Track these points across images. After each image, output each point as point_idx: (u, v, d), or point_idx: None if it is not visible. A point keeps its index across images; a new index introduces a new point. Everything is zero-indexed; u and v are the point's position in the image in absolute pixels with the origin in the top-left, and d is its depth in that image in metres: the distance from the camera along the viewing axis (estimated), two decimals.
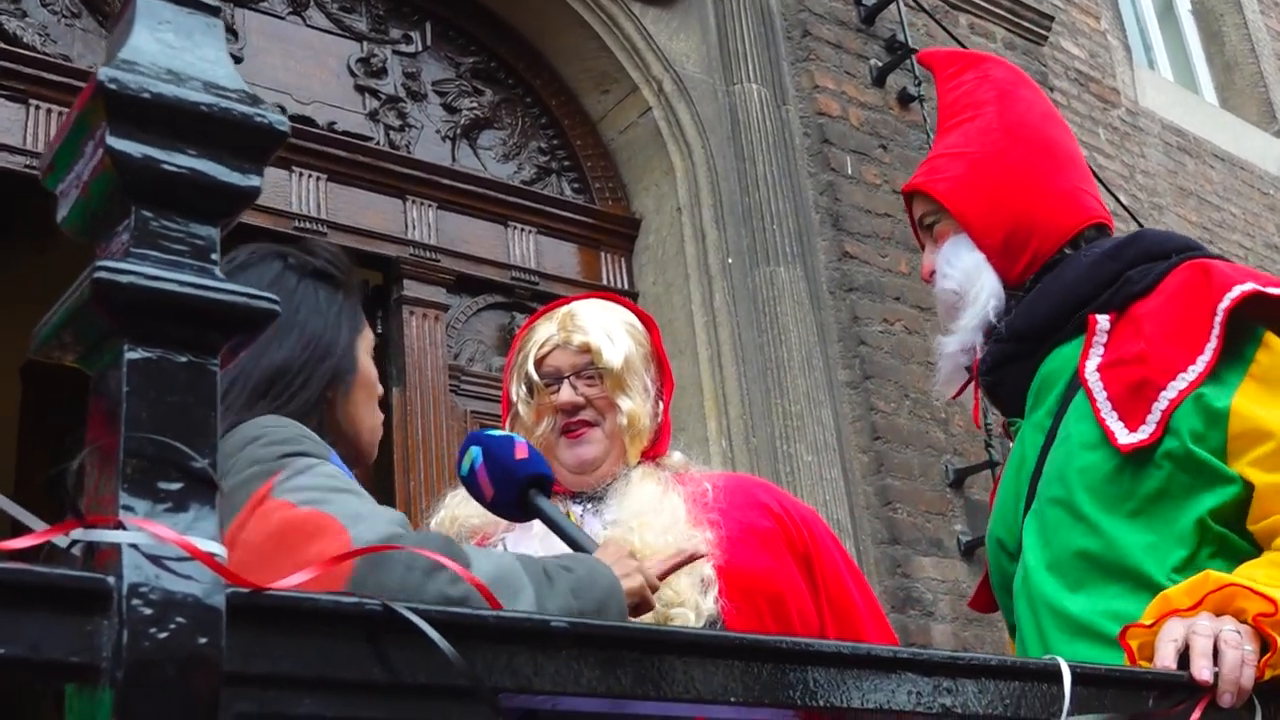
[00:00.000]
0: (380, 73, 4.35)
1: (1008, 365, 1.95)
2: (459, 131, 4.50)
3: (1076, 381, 1.84)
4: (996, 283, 1.97)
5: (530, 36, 4.80)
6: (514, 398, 2.16)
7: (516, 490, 1.80)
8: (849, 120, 5.14)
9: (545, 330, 2.16)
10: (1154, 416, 1.72)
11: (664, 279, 4.65)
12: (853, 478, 4.44)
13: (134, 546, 0.73)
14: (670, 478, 2.11)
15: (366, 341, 1.74)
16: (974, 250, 1.99)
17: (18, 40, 3.57)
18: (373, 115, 4.27)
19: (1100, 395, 1.78)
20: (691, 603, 1.92)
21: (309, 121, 4.07)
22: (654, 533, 1.95)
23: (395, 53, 4.44)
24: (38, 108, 3.49)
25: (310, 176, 3.97)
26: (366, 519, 1.38)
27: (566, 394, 2.09)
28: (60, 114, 3.52)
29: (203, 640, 0.72)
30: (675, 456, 2.20)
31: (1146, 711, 1.21)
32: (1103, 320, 1.84)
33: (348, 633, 0.80)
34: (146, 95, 0.80)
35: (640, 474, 2.10)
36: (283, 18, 4.18)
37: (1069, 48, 8.03)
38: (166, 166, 0.80)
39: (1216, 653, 1.34)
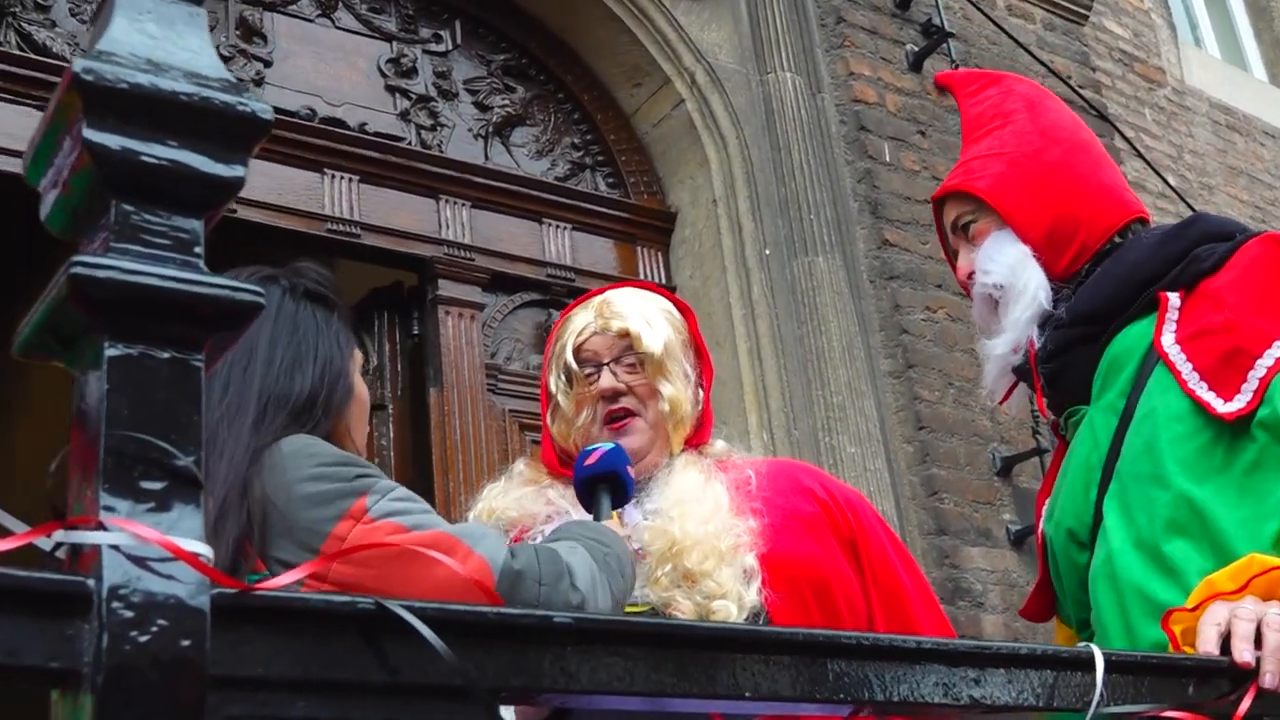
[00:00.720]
0: (411, 72, 4.34)
1: (1072, 350, 1.92)
2: (491, 129, 4.49)
3: (1152, 358, 1.81)
4: (1043, 275, 1.94)
5: (561, 32, 4.78)
6: (553, 389, 2.13)
7: (604, 478, 1.90)
8: (886, 106, 5.08)
9: (582, 318, 2.13)
10: (1250, 385, 1.69)
11: (701, 272, 4.61)
12: (897, 468, 4.39)
13: (115, 548, 0.71)
14: (713, 465, 2.09)
15: (357, 362, 1.80)
16: (1018, 243, 1.97)
17: (47, 50, 3.59)
18: (404, 115, 4.27)
19: (1185, 368, 1.75)
20: (734, 594, 1.89)
21: (340, 123, 4.07)
22: (694, 522, 1.93)
23: (425, 52, 4.44)
24: None
25: (342, 178, 3.97)
26: (483, 537, 1.52)
27: (607, 380, 2.07)
28: None
29: (186, 643, 0.70)
30: (718, 445, 2.18)
31: (1195, 701, 1.16)
32: (1173, 297, 1.82)
33: (341, 632, 0.78)
34: (124, 86, 0.78)
35: (684, 462, 2.07)
36: (311, 20, 4.18)
37: (1112, 27, 7.91)
38: (146, 158, 0.78)
39: (1260, 637, 1.30)
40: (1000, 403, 2.12)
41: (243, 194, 3.71)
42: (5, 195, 2.93)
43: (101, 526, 0.71)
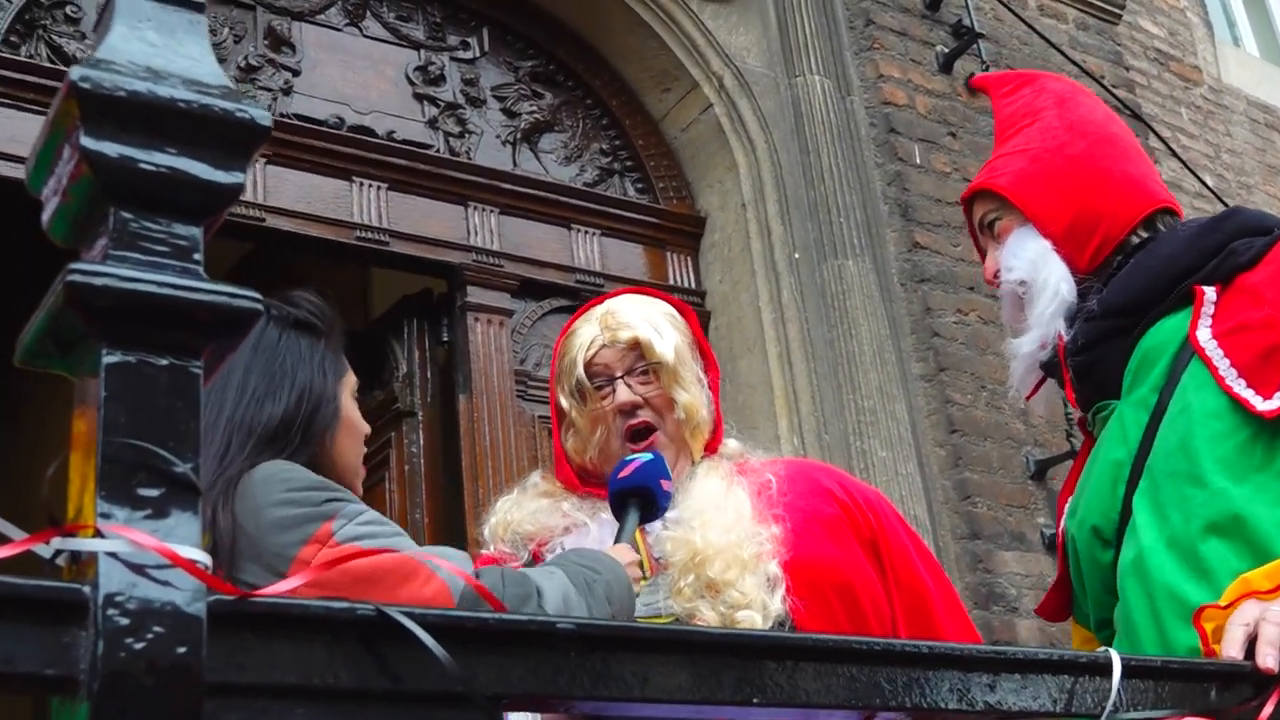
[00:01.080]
0: (438, 80, 4.36)
1: (1102, 344, 1.88)
2: (519, 136, 4.49)
3: (1186, 353, 1.77)
4: (1065, 268, 1.92)
5: (589, 38, 4.79)
6: (564, 406, 2.10)
7: (636, 492, 1.89)
8: (916, 108, 5.06)
9: (588, 331, 2.10)
10: None
11: (730, 276, 4.60)
12: (930, 472, 4.36)
13: (112, 554, 0.71)
14: (733, 470, 2.06)
15: (349, 385, 1.83)
16: (1039, 238, 1.94)
17: (78, 62, 3.62)
18: (432, 123, 4.28)
19: (1223, 364, 1.72)
20: (759, 603, 1.88)
21: (368, 131, 4.09)
22: (716, 531, 1.91)
23: (453, 59, 4.45)
24: None
25: (371, 186, 3.98)
26: (446, 560, 1.52)
27: (624, 394, 2.04)
28: None
29: (182, 649, 0.70)
30: (731, 444, 2.15)
31: (1217, 706, 1.14)
32: (1209, 291, 1.78)
33: (341, 639, 0.78)
34: (121, 94, 0.78)
35: (705, 469, 2.05)
36: (339, 29, 4.21)
37: (1147, 26, 7.85)
38: (144, 166, 0.78)
39: None
40: (1027, 398, 2.09)
41: (272, 203, 3.76)
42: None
43: (98, 533, 0.71)
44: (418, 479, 3.90)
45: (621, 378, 2.05)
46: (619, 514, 1.91)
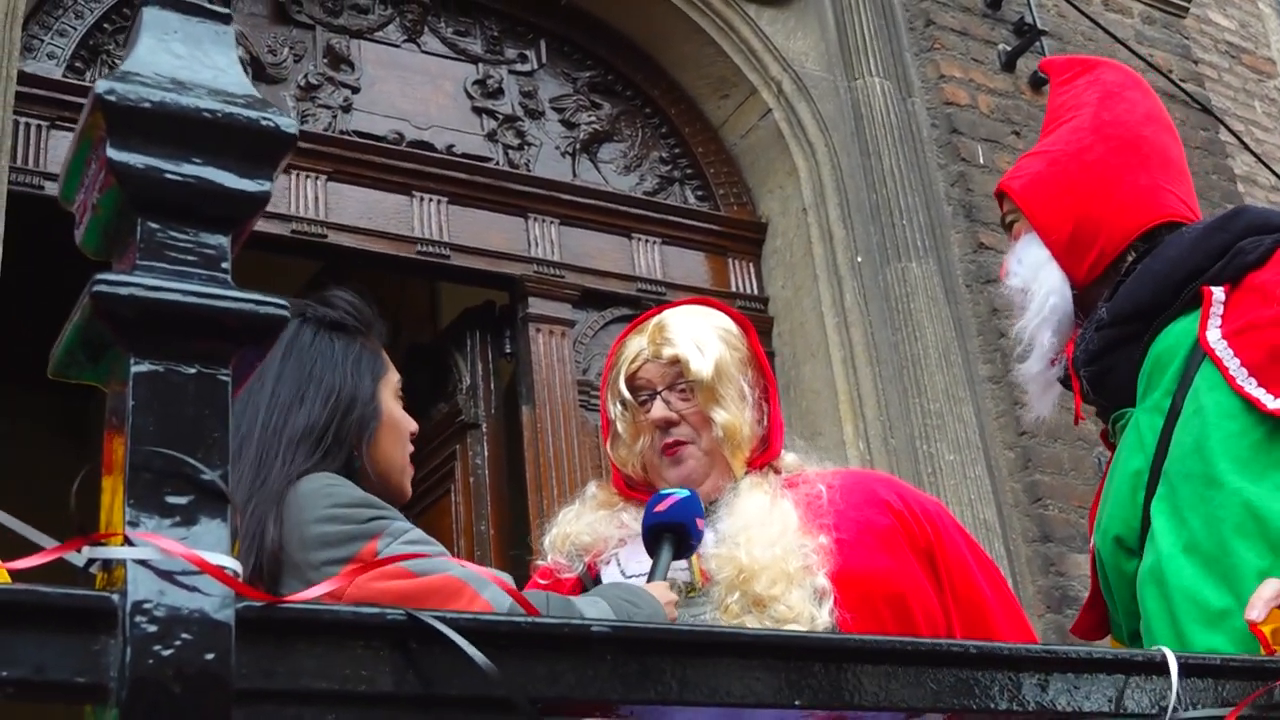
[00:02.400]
0: (497, 93, 4.38)
1: (1113, 352, 1.86)
2: (578, 146, 4.51)
3: (1197, 354, 1.75)
4: (1059, 280, 1.91)
5: (646, 47, 4.79)
6: (612, 415, 2.12)
7: (670, 528, 1.90)
8: (978, 108, 5.00)
9: (636, 344, 2.12)
10: None
11: (793, 282, 4.57)
12: (999, 475, 4.30)
13: (142, 562, 0.71)
14: (780, 484, 2.05)
15: (391, 385, 1.80)
16: (1041, 247, 1.94)
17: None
18: (491, 136, 4.30)
19: (1233, 363, 1.69)
20: (806, 616, 1.86)
21: (428, 146, 4.12)
22: (761, 546, 1.90)
23: (511, 72, 4.48)
24: None
25: (431, 200, 4.01)
26: (489, 581, 1.51)
27: (659, 410, 2.05)
28: None
29: (210, 656, 0.70)
30: (788, 458, 2.14)
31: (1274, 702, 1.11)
32: (1218, 291, 1.76)
33: (373, 644, 0.77)
34: (147, 105, 0.78)
35: (749, 484, 2.03)
36: (398, 45, 4.25)
37: (1217, 19, 7.70)
38: (171, 176, 0.79)
39: None
40: (1045, 416, 2.09)
41: (334, 219, 3.80)
42: None
43: (127, 541, 0.72)
44: (483, 490, 3.92)
45: (661, 393, 2.06)
46: (651, 549, 1.91)
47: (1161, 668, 1.01)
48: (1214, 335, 1.72)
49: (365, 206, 3.88)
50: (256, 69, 3.92)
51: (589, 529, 2.06)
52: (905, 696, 0.93)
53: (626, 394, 2.08)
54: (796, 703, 0.89)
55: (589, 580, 2.02)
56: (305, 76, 4.01)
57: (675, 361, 2.06)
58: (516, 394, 4.03)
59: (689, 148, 4.78)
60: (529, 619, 0.83)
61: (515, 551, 3.85)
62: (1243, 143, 6.41)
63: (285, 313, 0.81)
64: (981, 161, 4.87)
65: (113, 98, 0.77)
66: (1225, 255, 1.78)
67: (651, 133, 4.75)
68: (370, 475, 1.70)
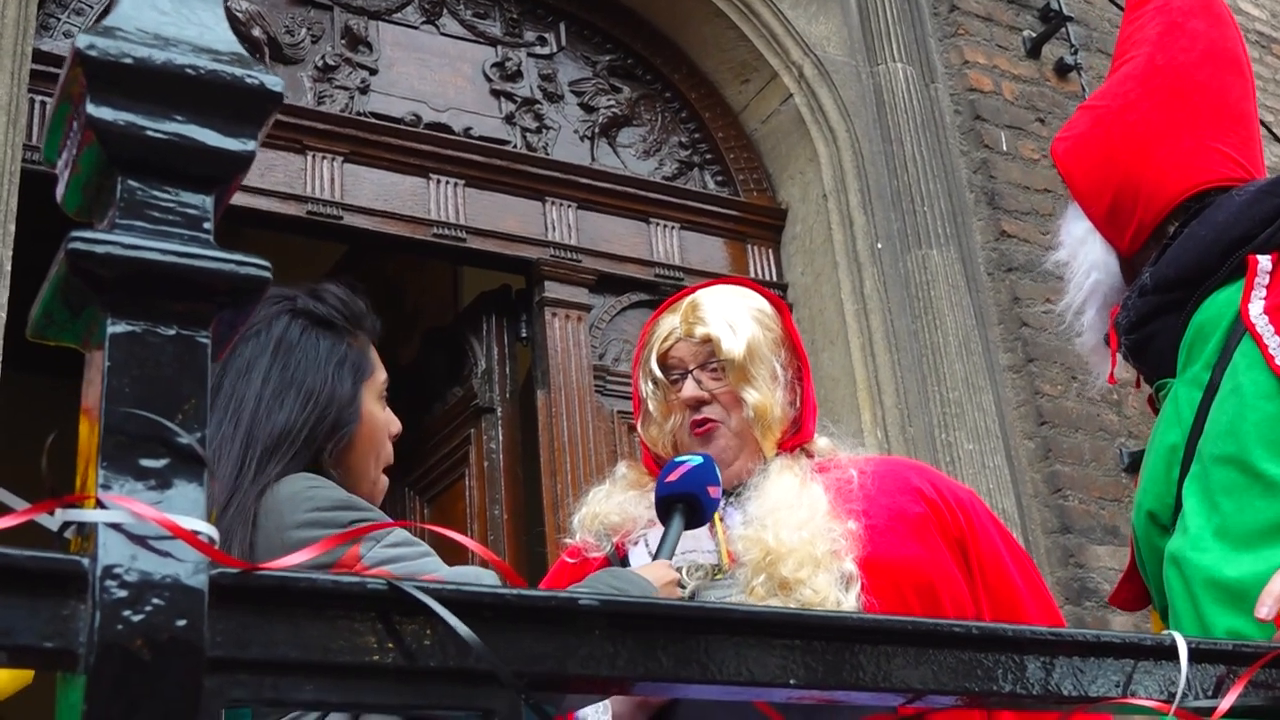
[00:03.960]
0: (515, 76, 4.36)
1: (1155, 320, 1.78)
2: (597, 130, 4.48)
3: (1239, 328, 1.66)
4: (1102, 253, 1.83)
5: (667, 30, 4.76)
6: (643, 394, 2.11)
7: (682, 498, 1.87)
8: (1002, 95, 4.96)
9: (669, 323, 2.11)
10: None
11: (812, 268, 4.54)
12: (1018, 465, 4.26)
13: (114, 526, 0.69)
14: (812, 468, 2.03)
15: (375, 387, 1.78)
16: (1083, 218, 1.86)
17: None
18: (509, 119, 4.28)
19: (1273, 341, 1.61)
20: (832, 600, 1.84)
21: (445, 128, 4.10)
22: (788, 529, 1.88)
23: (530, 55, 4.45)
24: None
25: (448, 183, 3.99)
26: (476, 580, 1.46)
27: (689, 389, 2.04)
28: None
29: (182, 622, 0.68)
30: (821, 442, 2.12)
31: None
32: (1264, 260, 1.67)
33: (352, 614, 0.76)
34: (128, 60, 0.76)
35: (779, 466, 2.02)
36: (416, 27, 4.23)
37: (1247, 8, 7.62)
38: (152, 133, 0.77)
39: None
40: (1111, 380, 2.00)
41: (349, 200, 3.78)
42: None
43: (99, 504, 0.70)
44: (497, 475, 3.90)
45: (693, 371, 2.04)
46: (664, 519, 1.89)
47: (1171, 653, 0.98)
48: (1256, 309, 1.65)
49: (382, 188, 3.86)
50: (274, 49, 3.91)
51: (618, 509, 2.06)
52: (905, 677, 0.91)
53: (658, 372, 2.07)
54: (792, 681, 0.86)
55: (616, 560, 2.01)
56: (323, 57, 4.00)
57: (707, 340, 2.05)
58: (532, 378, 4.02)
59: (709, 132, 4.75)
60: (515, 591, 0.81)
61: (538, 528, 3.83)
62: (1272, 133, 6.33)
63: (267, 274, 0.79)
64: (1005, 149, 4.83)
65: (93, 53, 0.75)
66: (1274, 222, 1.70)
67: (671, 117, 4.73)
68: (338, 479, 1.68)
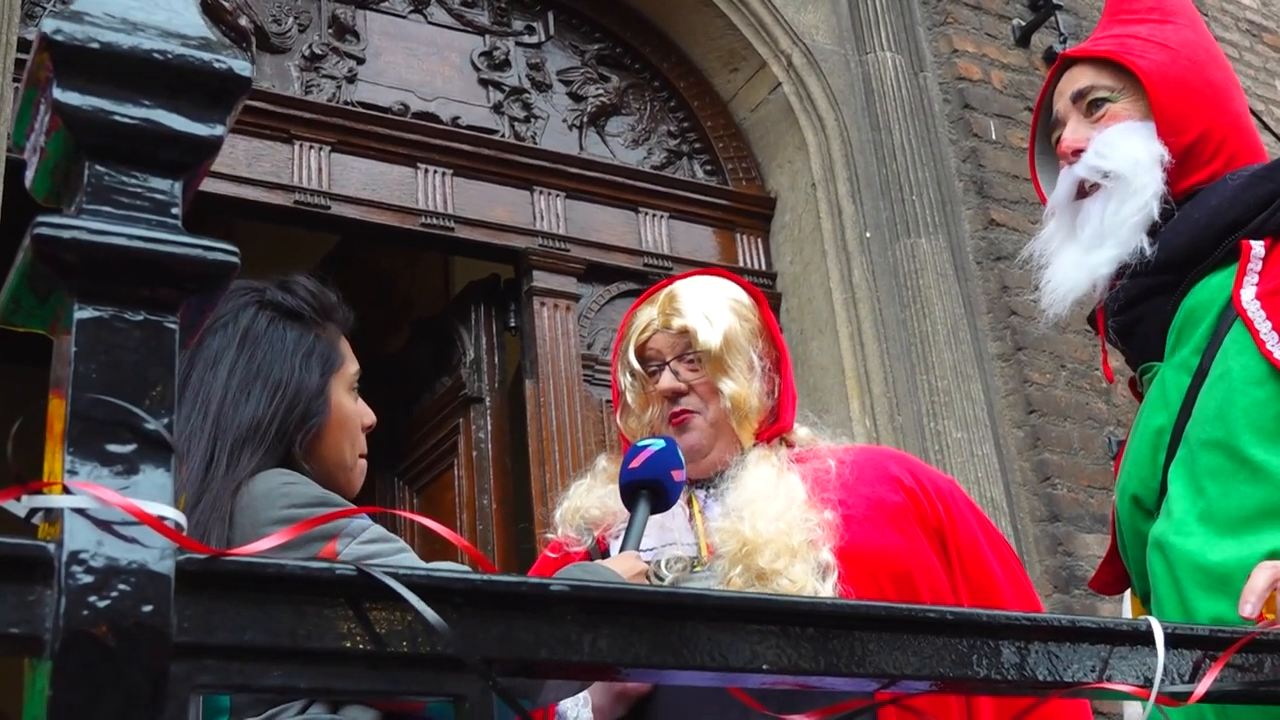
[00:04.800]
0: (503, 65, 4.35)
1: (1144, 302, 1.75)
2: (586, 119, 4.47)
3: (1230, 313, 1.65)
4: (1163, 187, 1.75)
5: (656, 19, 4.75)
6: (622, 386, 2.11)
7: (646, 484, 1.88)
8: (991, 83, 4.96)
9: (646, 314, 2.11)
10: None
11: (801, 257, 4.54)
12: (1007, 454, 4.27)
13: (80, 512, 0.69)
14: (789, 458, 2.03)
15: (345, 379, 1.77)
16: (1155, 143, 1.76)
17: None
18: (497, 108, 4.27)
19: (1264, 326, 1.60)
20: (809, 590, 1.84)
21: (433, 118, 4.09)
22: (765, 520, 1.88)
23: (518, 44, 4.44)
24: None
25: (436, 172, 3.98)
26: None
27: (667, 380, 2.04)
28: None
29: (147, 608, 0.68)
30: (801, 432, 2.12)
31: (1271, 678, 1.08)
32: (1257, 246, 1.65)
33: (321, 600, 0.75)
34: (95, 45, 0.76)
35: (756, 457, 2.02)
36: (404, 16, 4.22)
37: None
38: (118, 118, 0.76)
39: None
40: (1061, 319, 1.93)
41: (337, 190, 3.77)
42: None
43: (66, 490, 0.70)
44: (485, 464, 3.90)
45: (670, 363, 2.05)
46: (630, 506, 1.89)
47: (1147, 638, 0.98)
48: (1248, 294, 1.63)
49: (369, 178, 3.85)
50: (260, 38, 3.89)
51: (598, 503, 2.06)
52: (880, 662, 0.91)
53: (635, 364, 2.08)
54: (764, 667, 0.86)
55: (597, 554, 2.01)
56: (310, 46, 3.99)
57: (684, 332, 2.05)
58: (520, 368, 4.01)
59: (698, 122, 4.74)
60: (485, 577, 0.81)
61: (523, 525, 3.84)
62: (1263, 122, 6.33)
63: (235, 259, 0.78)
64: (994, 137, 4.82)
65: (60, 37, 0.75)
66: (1269, 207, 1.68)
67: (660, 106, 4.72)
68: (311, 471, 1.68)
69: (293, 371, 1.69)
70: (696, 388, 2.04)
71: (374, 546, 1.53)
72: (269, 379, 1.67)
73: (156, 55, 0.77)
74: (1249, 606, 1.31)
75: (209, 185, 3.56)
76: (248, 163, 3.65)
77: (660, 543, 1.96)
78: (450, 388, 4.10)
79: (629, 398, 2.09)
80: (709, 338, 2.03)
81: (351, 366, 1.80)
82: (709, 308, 2.07)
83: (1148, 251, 1.75)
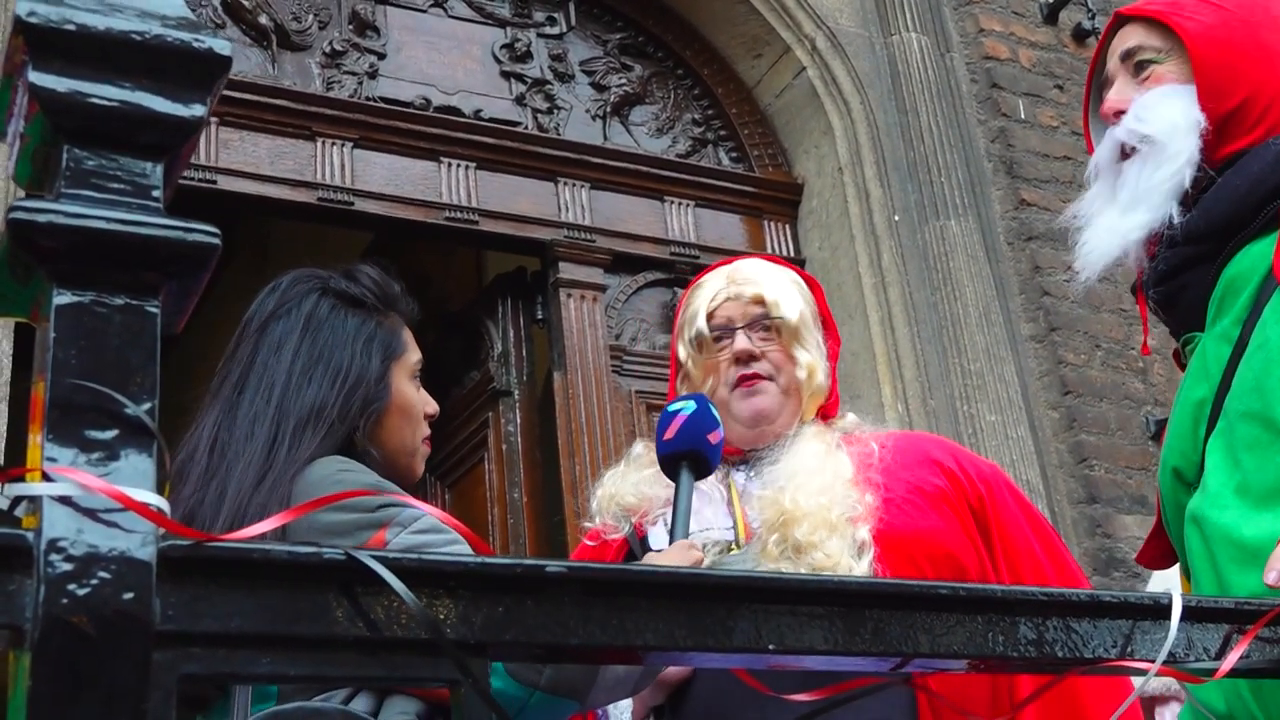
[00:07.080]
0: (525, 57, 4.34)
1: (1185, 272, 1.70)
2: (609, 109, 4.45)
3: (1271, 282, 1.60)
4: (1198, 154, 1.70)
5: (678, 7, 4.72)
6: (683, 357, 2.08)
7: (684, 455, 1.83)
8: (1019, 62, 4.90)
9: (714, 284, 2.08)
10: None
11: (829, 242, 4.50)
12: (1042, 436, 4.22)
13: (60, 499, 0.68)
14: (840, 439, 2.02)
15: (406, 366, 1.79)
16: (1195, 108, 1.72)
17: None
18: (519, 100, 4.26)
19: None
20: (844, 566, 1.82)
21: (455, 111, 4.08)
22: (806, 493, 1.86)
23: (540, 35, 4.43)
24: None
25: (459, 166, 3.98)
26: None
27: (742, 342, 2.01)
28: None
29: (128, 596, 0.67)
30: (848, 418, 2.11)
31: None
32: None
33: (308, 586, 0.74)
34: (70, 27, 0.75)
35: (812, 433, 2.01)
36: (424, 10, 4.21)
37: None
38: (96, 100, 0.75)
39: None
40: (1093, 279, 1.88)
41: (359, 186, 3.77)
42: None
43: (46, 477, 0.69)
44: (515, 457, 3.89)
45: (742, 329, 2.03)
46: (672, 476, 1.86)
47: (1165, 612, 0.96)
48: None
49: (392, 173, 3.85)
50: (280, 36, 3.90)
51: (634, 490, 2.04)
52: (893, 641, 0.89)
53: (705, 330, 2.04)
54: (770, 647, 0.84)
55: (635, 542, 1.99)
56: (330, 43, 3.99)
57: (759, 301, 2.03)
58: (549, 360, 4.00)
59: (722, 109, 4.71)
60: (479, 559, 0.79)
61: (556, 518, 3.82)
62: None
63: (216, 240, 0.77)
64: (1023, 116, 4.77)
65: (34, 19, 0.74)
66: None
67: (684, 94, 4.69)
68: (374, 456, 1.69)
69: (354, 357, 1.71)
70: (769, 355, 2.02)
71: (425, 537, 1.53)
72: (330, 364, 1.69)
73: (134, 36, 0.76)
74: (1274, 575, 1.27)
75: (232, 184, 3.57)
76: (270, 161, 3.65)
77: (699, 528, 1.94)
78: (479, 382, 4.10)
79: (691, 369, 2.06)
80: (788, 308, 2.02)
81: (414, 355, 1.81)
82: (779, 282, 2.07)
83: (1176, 219, 1.71)
